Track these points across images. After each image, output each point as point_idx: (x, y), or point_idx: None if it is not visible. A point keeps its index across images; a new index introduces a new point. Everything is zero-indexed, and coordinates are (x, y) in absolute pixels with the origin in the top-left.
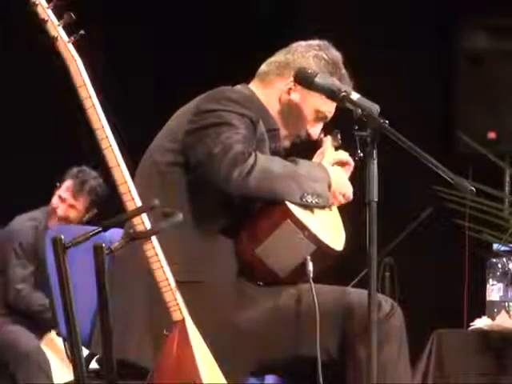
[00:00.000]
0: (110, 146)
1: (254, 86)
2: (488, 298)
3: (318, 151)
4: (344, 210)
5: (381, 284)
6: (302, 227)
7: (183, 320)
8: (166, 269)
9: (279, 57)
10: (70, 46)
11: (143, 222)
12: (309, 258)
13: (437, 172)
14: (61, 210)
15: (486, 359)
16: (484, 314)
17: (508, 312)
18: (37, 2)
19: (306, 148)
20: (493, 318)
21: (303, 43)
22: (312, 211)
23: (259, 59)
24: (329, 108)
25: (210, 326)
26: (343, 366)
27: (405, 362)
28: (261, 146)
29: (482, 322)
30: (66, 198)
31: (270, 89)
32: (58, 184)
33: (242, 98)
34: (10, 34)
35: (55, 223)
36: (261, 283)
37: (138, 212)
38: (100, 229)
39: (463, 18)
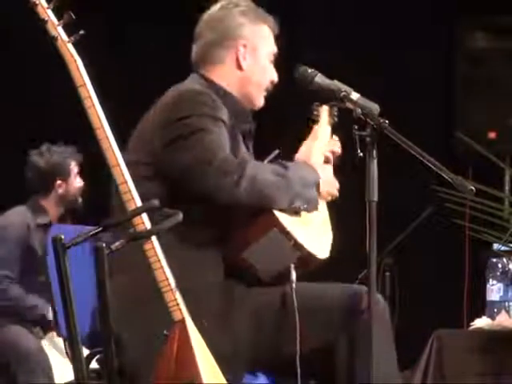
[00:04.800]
0: (110, 145)
1: (205, 71)
2: (488, 298)
3: (313, 131)
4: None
5: (381, 284)
6: (289, 236)
7: (183, 320)
8: (166, 269)
9: (205, 35)
10: (70, 46)
11: (143, 222)
12: (292, 266)
13: (437, 172)
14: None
15: (486, 359)
16: (484, 314)
17: (508, 312)
18: (37, 2)
19: (300, 129)
20: (493, 318)
21: (214, 10)
22: (300, 216)
23: None
24: (273, 44)
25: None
26: (329, 360)
27: (390, 346)
28: (235, 143)
29: (482, 322)
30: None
31: (222, 68)
32: (58, 179)
33: (208, 98)
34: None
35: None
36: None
37: (138, 212)
38: (100, 229)
39: (463, 17)
